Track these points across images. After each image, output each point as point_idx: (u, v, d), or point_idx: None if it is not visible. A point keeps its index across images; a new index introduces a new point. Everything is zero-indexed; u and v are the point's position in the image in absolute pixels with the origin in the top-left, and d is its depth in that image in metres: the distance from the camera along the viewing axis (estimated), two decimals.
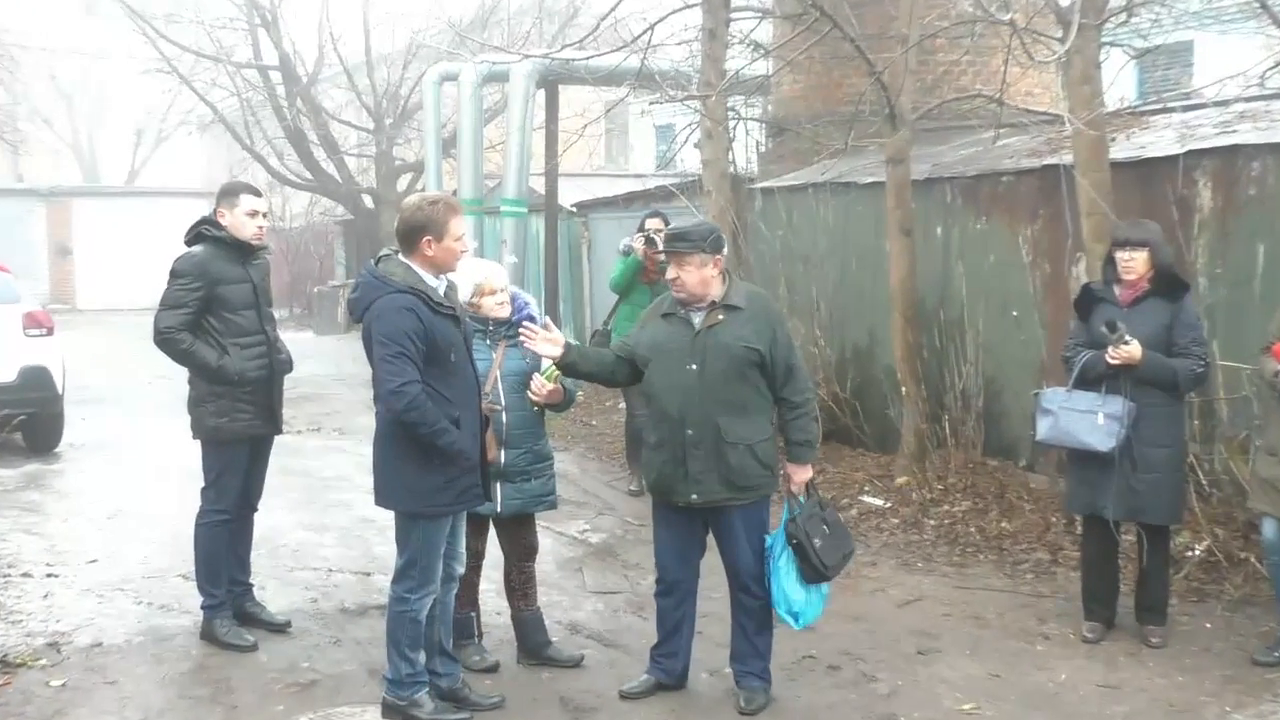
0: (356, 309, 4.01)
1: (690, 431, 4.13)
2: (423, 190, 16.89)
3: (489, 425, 4.35)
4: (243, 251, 4.91)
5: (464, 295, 4.50)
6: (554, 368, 4.42)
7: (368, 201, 21.99)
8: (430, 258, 4.01)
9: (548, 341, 4.25)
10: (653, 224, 7.65)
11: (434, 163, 12.88)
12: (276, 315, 5.35)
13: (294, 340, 17.98)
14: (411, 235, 3.99)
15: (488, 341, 4.53)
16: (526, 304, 4.64)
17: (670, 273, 4.21)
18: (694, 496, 4.17)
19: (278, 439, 5.18)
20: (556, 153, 12.18)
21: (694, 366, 4.16)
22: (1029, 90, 9.44)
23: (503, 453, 4.47)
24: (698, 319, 4.23)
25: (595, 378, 4.36)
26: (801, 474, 4.28)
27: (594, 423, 10.62)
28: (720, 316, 4.20)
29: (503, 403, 4.48)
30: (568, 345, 4.31)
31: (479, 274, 4.54)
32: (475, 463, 4.07)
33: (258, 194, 4.95)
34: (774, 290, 8.34)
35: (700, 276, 4.18)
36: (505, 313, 4.54)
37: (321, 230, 26.58)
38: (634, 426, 7.56)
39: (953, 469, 6.98)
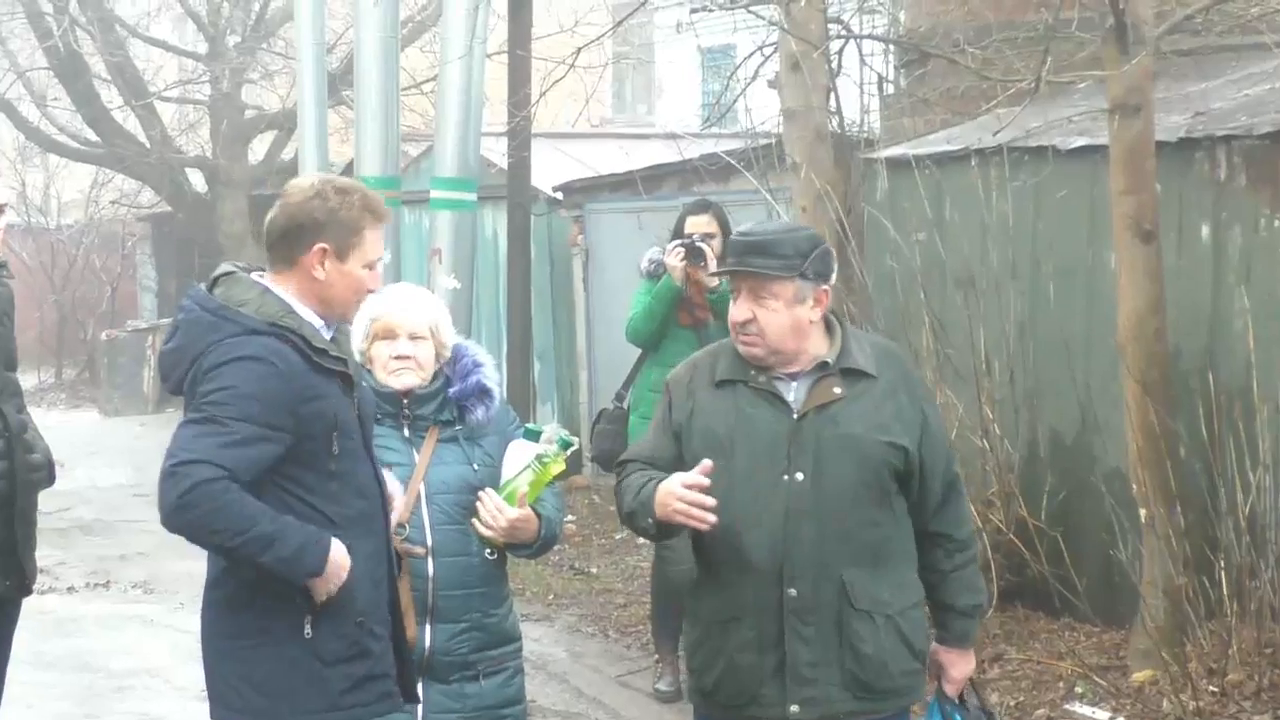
0: (174, 368, 4.01)
1: (793, 592, 4.21)
2: (292, 162, 17.00)
3: (402, 574, 4.35)
4: None
5: (356, 346, 4.55)
6: (541, 470, 4.47)
7: (196, 181, 22.17)
8: (319, 284, 4.04)
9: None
10: (698, 223, 7.72)
11: (313, 114, 12.97)
12: (25, 383, 5.35)
13: (61, 425, 18.05)
14: (295, 239, 4.04)
15: (404, 431, 4.54)
16: (477, 365, 4.65)
17: (738, 311, 4.25)
18: (795, 709, 4.22)
19: (27, 604, 5.21)
20: (529, 99, 12.25)
21: (799, 477, 4.21)
22: None
23: (427, 630, 4.50)
24: (793, 392, 4.28)
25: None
26: (964, 664, 4.42)
27: (593, 569, 10.64)
28: (838, 390, 4.25)
29: (428, 541, 4.50)
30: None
31: (381, 299, 4.54)
32: (384, 637, 4.10)
33: None
34: (910, 337, 8.32)
35: (793, 321, 4.24)
36: (417, 378, 4.55)
37: (114, 233, 26.86)
38: (668, 576, 7.55)
39: (1237, 656, 6.88)
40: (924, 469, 4.26)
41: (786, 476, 4.20)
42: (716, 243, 7.61)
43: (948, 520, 4.33)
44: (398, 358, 4.53)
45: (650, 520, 4.14)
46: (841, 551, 4.20)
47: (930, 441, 4.28)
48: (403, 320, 4.54)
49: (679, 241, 7.70)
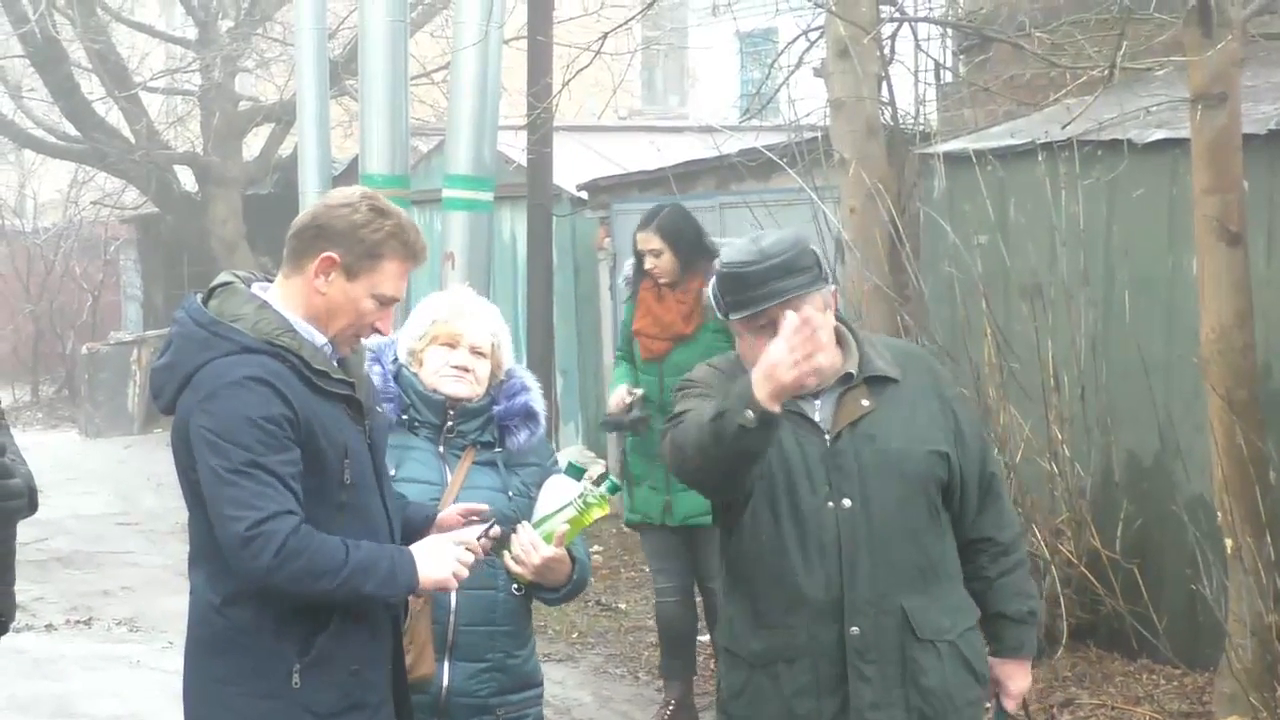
0: (165, 386, 4.03)
1: (855, 630, 4.24)
2: (290, 158, 17.01)
3: (410, 614, 4.38)
4: None
5: (407, 344, 4.61)
6: (583, 510, 4.47)
7: (185, 180, 22.24)
8: (321, 298, 4.07)
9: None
10: (641, 240, 7.80)
11: (313, 107, 13.00)
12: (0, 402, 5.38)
13: (38, 447, 18.06)
14: (309, 241, 4.08)
15: (439, 448, 4.58)
16: (525, 388, 4.71)
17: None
18: None
19: (2, 643, 5.24)
20: (551, 89, 12.27)
21: (846, 503, 4.23)
22: None
23: (445, 668, 4.52)
24: (819, 411, 4.29)
25: None
26: (1021, 677, 4.49)
27: (621, 605, 10.67)
28: (866, 403, 4.28)
29: None
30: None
31: (448, 300, 4.65)
32: (382, 689, 4.12)
33: None
34: (971, 351, 8.32)
35: (829, 333, 4.23)
36: (471, 391, 4.59)
37: (95, 236, 26.97)
38: (667, 612, 7.96)
39: None
40: (962, 473, 4.32)
41: (832, 504, 4.22)
42: (666, 257, 7.66)
43: (989, 523, 4.38)
44: (456, 367, 4.57)
45: (752, 412, 3.88)
46: (899, 579, 4.23)
47: (965, 442, 4.34)
48: (467, 330, 4.60)
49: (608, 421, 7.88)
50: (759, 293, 4.18)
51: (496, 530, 4.23)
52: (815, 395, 4.28)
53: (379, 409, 4.30)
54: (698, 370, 4.47)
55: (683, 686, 7.93)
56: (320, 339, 4.06)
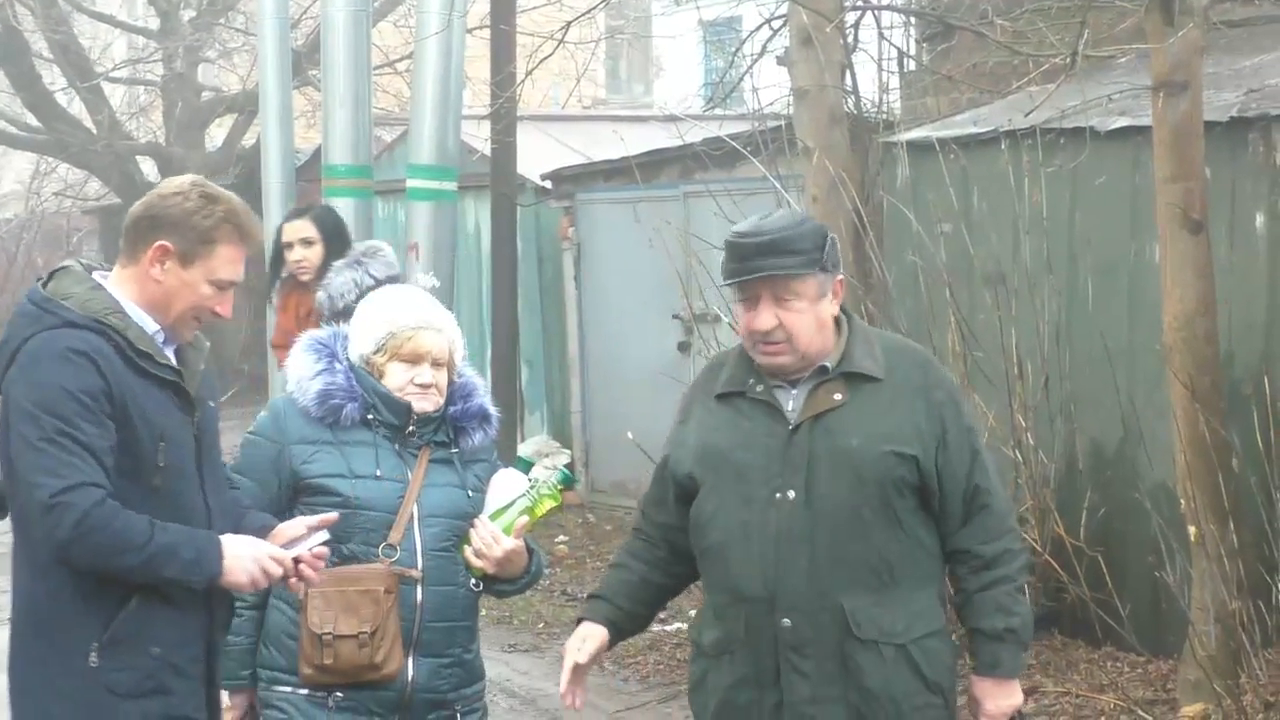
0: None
1: (787, 623, 4.21)
2: (253, 149, 17.00)
3: (392, 603, 4.40)
4: None
5: (359, 347, 4.56)
6: (537, 502, 4.52)
7: (148, 170, 22.16)
8: (157, 286, 4.13)
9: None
10: (294, 229, 7.63)
11: (275, 97, 12.95)
12: None
13: None
14: (143, 232, 4.16)
15: (395, 446, 4.57)
16: (474, 386, 4.70)
17: (762, 319, 4.23)
18: None
19: None
20: (514, 78, 12.25)
21: (790, 495, 4.21)
22: None
23: (409, 664, 4.52)
24: (793, 400, 4.28)
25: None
26: (998, 696, 4.36)
27: (585, 593, 10.54)
28: (838, 397, 4.26)
29: (419, 566, 4.52)
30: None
31: (404, 311, 4.59)
32: (192, 677, 4.17)
33: None
34: (935, 339, 8.32)
35: (818, 319, 4.26)
36: (436, 404, 4.60)
37: (58, 227, 26.84)
38: None
39: None
40: (942, 481, 4.25)
41: (779, 495, 4.20)
42: (317, 249, 7.50)
43: (971, 536, 4.28)
44: (420, 385, 4.57)
45: None
46: (840, 577, 4.19)
47: (948, 449, 4.25)
48: (431, 346, 4.59)
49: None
50: (745, 265, 4.22)
51: (323, 550, 4.23)
52: (793, 385, 4.27)
53: (211, 404, 4.32)
54: (696, 377, 4.50)
55: None
56: (152, 326, 4.13)
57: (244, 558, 4.07)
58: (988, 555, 4.28)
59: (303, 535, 4.26)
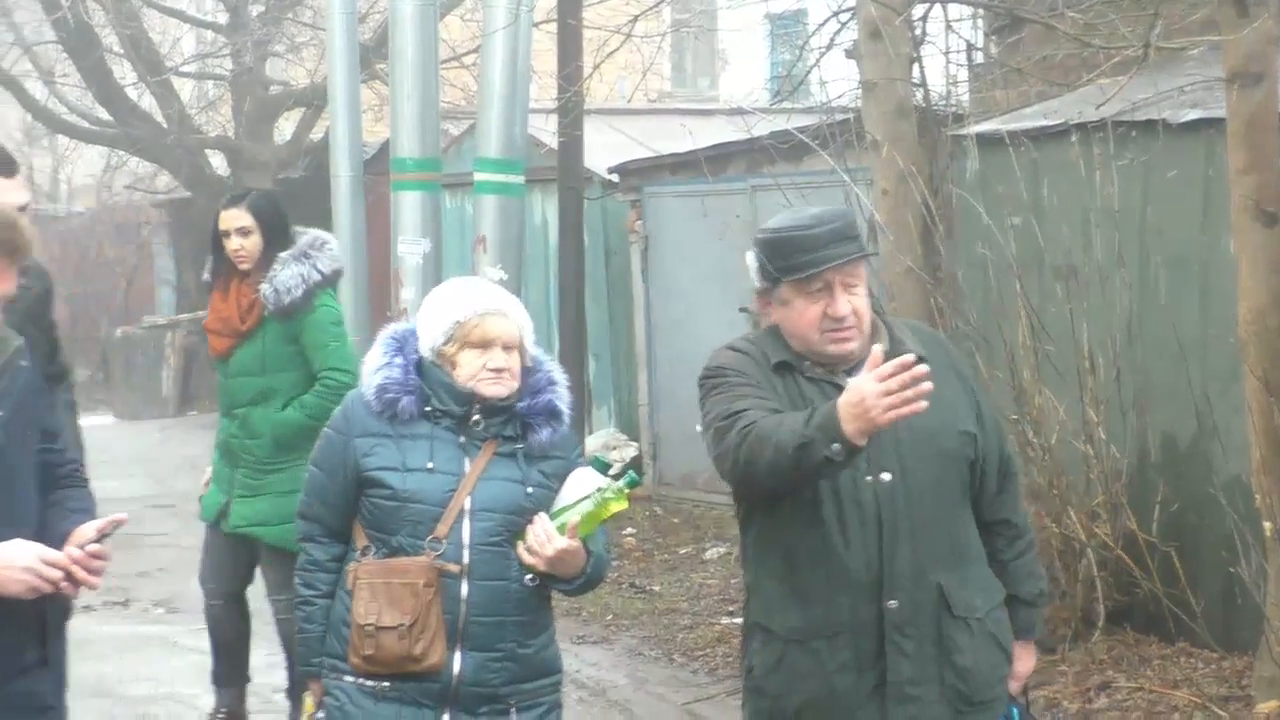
0: None
1: (893, 604, 4.24)
2: (321, 142, 17.00)
3: (434, 595, 4.41)
4: None
5: (429, 341, 4.55)
6: (600, 504, 4.48)
7: (217, 164, 22.30)
8: None
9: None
10: (230, 218, 7.29)
11: (344, 91, 13.01)
12: None
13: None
14: None
15: (460, 438, 4.56)
16: (551, 383, 4.67)
17: (841, 305, 4.26)
18: None
19: None
20: (581, 72, 12.26)
21: (886, 477, 4.23)
22: None
23: (456, 657, 4.51)
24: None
25: None
26: (1028, 658, 4.57)
27: (655, 588, 10.67)
28: None
29: (464, 560, 4.51)
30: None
31: (469, 299, 4.58)
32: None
33: (9, 171, 4.95)
34: (1006, 333, 8.30)
35: (869, 304, 4.34)
36: (510, 388, 4.58)
37: (129, 221, 27.06)
38: (213, 615, 7.63)
39: None
40: (984, 452, 4.36)
41: (870, 478, 4.21)
42: (254, 239, 7.17)
43: (1006, 506, 4.44)
44: (493, 370, 4.55)
45: (838, 445, 3.90)
46: (935, 556, 4.25)
47: (984, 423, 4.38)
48: (500, 331, 4.56)
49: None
50: (817, 255, 4.23)
51: (98, 548, 4.16)
52: (848, 372, 4.27)
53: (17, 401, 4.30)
54: (723, 357, 4.41)
55: (235, 694, 7.58)
56: None
57: (14, 567, 4.02)
58: (1020, 523, 4.48)
59: (93, 538, 4.18)
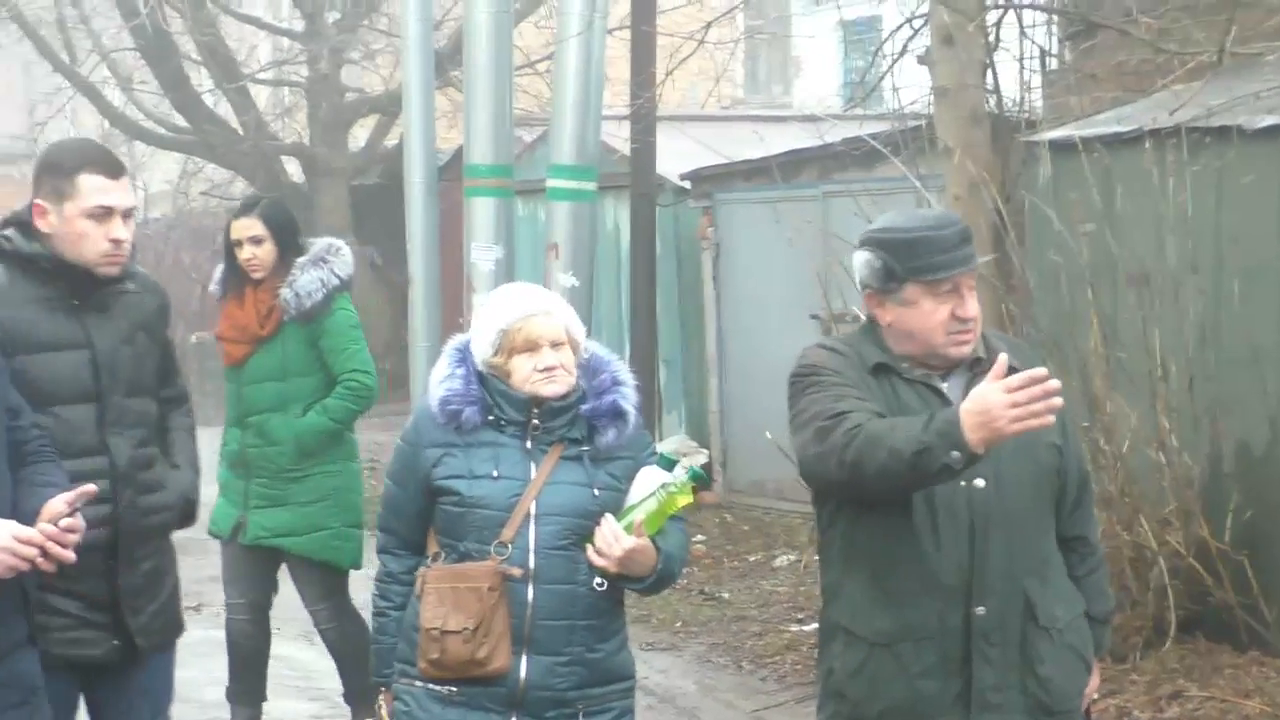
0: None
1: (981, 611, 4.24)
2: (396, 149, 17.11)
3: (500, 600, 4.45)
4: (78, 285, 4.97)
5: (480, 354, 4.58)
6: (665, 500, 4.49)
7: (292, 171, 22.43)
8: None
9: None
10: (241, 227, 7.35)
11: (419, 97, 13.07)
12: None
13: None
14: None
15: (526, 443, 4.58)
16: (616, 384, 4.66)
17: (970, 307, 4.27)
18: None
19: None
20: (654, 78, 12.28)
21: (980, 483, 4.21)
22: None
23: (523, 661, 4.52)
24: (950, 393, 4.27)
25: None
26: (1096, 677, 4.57)
27: (725, 594, 10.64)
28: None
29: (530, 565, 4.52)
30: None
31: (509, 306, 4.60)
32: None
33: (115, 172, 4.97)
34: (1078, 340, 8.28)
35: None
36: (567, 384, 4.59)
37: (205, 226, 27.21)
38: (234, 629, 7.67)
39: None
40: (1066, 467, 4.37)
41: (964, 483, 4.18)
42: (267, 247, 7.18)
43: (1082, 522, 4.44)
44: (544, 370, 4.56)
45: (957, 453, 3.88)
46: (1023, 565, 4.26)
47: (1068, 438, 4.37)
48: (543, 330, 4.56)
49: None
50: (951, 256, 4.23)
51: (72, 522, 4.20)
52: (944, 377, 4.28)
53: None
54: (817, 355, 4.37)
55: (251, 716, 7.60)
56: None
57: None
58: (1094, 541, 4.50)
59: (64, 512, 4.21)
